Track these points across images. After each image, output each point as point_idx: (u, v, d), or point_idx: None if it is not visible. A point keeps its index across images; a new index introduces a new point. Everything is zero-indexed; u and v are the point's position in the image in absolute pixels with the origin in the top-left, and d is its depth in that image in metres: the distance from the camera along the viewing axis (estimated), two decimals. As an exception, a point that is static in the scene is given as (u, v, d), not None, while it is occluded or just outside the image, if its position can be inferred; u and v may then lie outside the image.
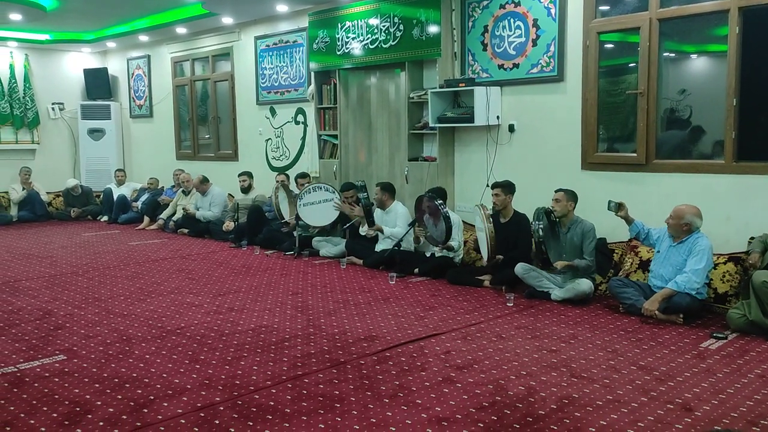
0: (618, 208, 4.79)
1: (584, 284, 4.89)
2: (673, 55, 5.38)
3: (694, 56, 5.51)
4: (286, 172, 8.00)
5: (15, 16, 8.32)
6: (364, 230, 6.41)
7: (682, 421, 2.89)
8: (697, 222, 4.46)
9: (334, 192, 6.69)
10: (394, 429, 2.82)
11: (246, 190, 8.20)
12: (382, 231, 6.20)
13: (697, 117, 5.20)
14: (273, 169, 8.49)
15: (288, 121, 8.32)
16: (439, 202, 5.51)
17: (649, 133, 5.16)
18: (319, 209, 6.65)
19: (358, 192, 6.24)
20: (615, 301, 4.77)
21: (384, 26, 6.64)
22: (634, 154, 5.27)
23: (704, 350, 3.85)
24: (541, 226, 4.88)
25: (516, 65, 5.91)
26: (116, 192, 10.02)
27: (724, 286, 4.61)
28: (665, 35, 5.12)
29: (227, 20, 8.50)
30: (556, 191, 5.13)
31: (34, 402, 3.16)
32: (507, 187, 5.50)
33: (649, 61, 5.10)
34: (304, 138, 8.11)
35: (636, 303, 4.53)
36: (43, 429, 2.87)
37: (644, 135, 5.17)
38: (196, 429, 2.84)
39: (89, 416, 2.99)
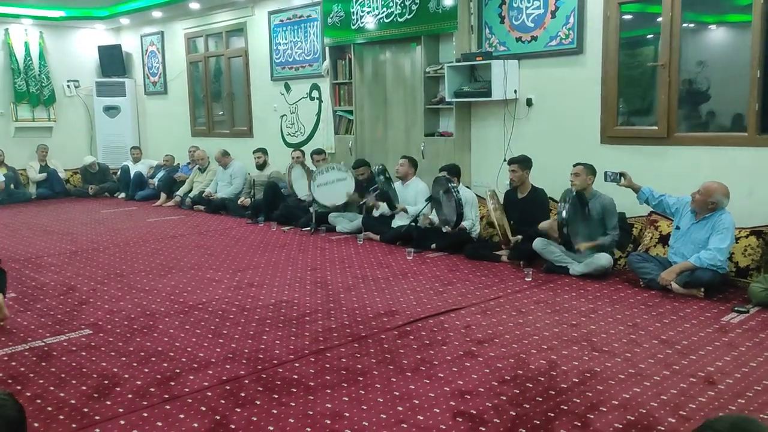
0: (620, 177, 4.75)
1: (603, 258, 4.87)
2: (693, 26, 5.27)
3: (714, 27, 5.40)
4: (302, 148, 7.99)
5: (30, -7, 8.32)
6: (378, 213, 6.42)
7: (705, 394, 2.90)
8: (724, 202, 4.41)
9: (347, 171, 6.68)
10: (417, 401, 2.85)
11: (261, 166, 8.23)
12: (406, 211, 6.18)
13: (716, 89, 5.12)
14: (288, 145, 8.49)
15: (303, 97, 8.29)
16: (453, 185, 5.50)
17: (670, 106, 5.09)
18: (333, 188, 6.66)
19: (377, 176, 6.21)
20: (634, 275, 4.76)
21: (399, -1, 6.57)
22: (655, 128, 5.21)
23: (726, 324, 3.84)
24: (566, 208, 4.77)
25: (534, 38, 5.83)
26: (133, 169, 10.09)
27: (746, 260, 4.58)
28: (686, 5, 5.02)
29: (241, -5, 8.44)
30: (574, 165, 5.10)
31: (63, 375, 3.22)
32: (523, 162, 5.46)
33: (671, 33, 5.01)
34: (319, 114, 8.09)
35: (656, 278, 4.51)
36: (73, 401, 2.93)
37: (666, 108, 5.11)
38: (223, 401, 2.89)
39: (118, 389, 3.04)
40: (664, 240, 4.94)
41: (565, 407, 2.78)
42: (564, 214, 4.73)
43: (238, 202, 8.13)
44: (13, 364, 3.37)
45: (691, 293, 4.35)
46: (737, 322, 3.88)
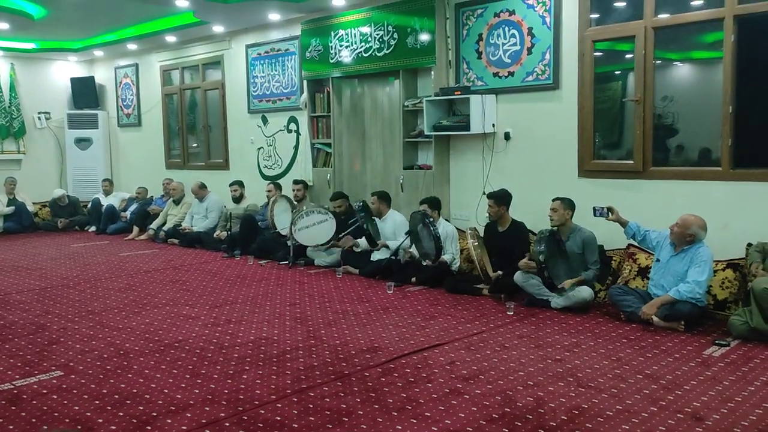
0: (608, 212, 4.81)
1: (584, 291, 4.88)
2: (661, 62, 5.40)
3: (682, 63, 5.55)
4: (278, 181, 7.94)
5: (2, 26, 8.20)
6: (359, 249, 6.37)
7: (694, 430, 2.88)
8: (701, 234, 4.47)
9: (326, 213, 6.61)
10: (405, 443, 2.78)
11: (238, 199, 8.14)
12: (387, 246, 6.13)
13: (686, 124, 5.25)
14: (265, 177, 8.42)
15: (280, 130, 8.26)
16: (430, 219, 5.49)
17: (645, 141, 5.18)
18: (314, 231, 6.57)
19: (358, 212, 6.17)
20: (615, 308, 4.77)
21: (378, 34, 6.63)
22: (631, 162, 5.29)
23: (708, 357, 3.85)
24: (542, 250, 4.75)
25: (511, 73, 5.91)
26: (104, 202, 9.89)
27: (724, 293, 4.63)
28: (658, 43, 5.15)
29: (218, 28, 8.44)
30: (553, 200, 5.13)
31: (34, 420, 3.08)
32: (500, 198, 5.46)
33: (645, 69, 5.12)
34: (296, 146, 8.06)
35: (636, 311, 4.53)
36: (43, 448, 2.79)
37: (641, 142, 5.19)
38: (203, 446, 2.78)
39: (91, 434, 2.91)
40: (642, 272, 4.98)
41: (556, 446, 2.74)
42: (541, 257, 4.72)
43: (214, 235, 8.01)
44: (-20, 408, 3.22)
45: (671, 326, 4.37)
46: (719, 355, 3.89)
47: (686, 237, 4.48)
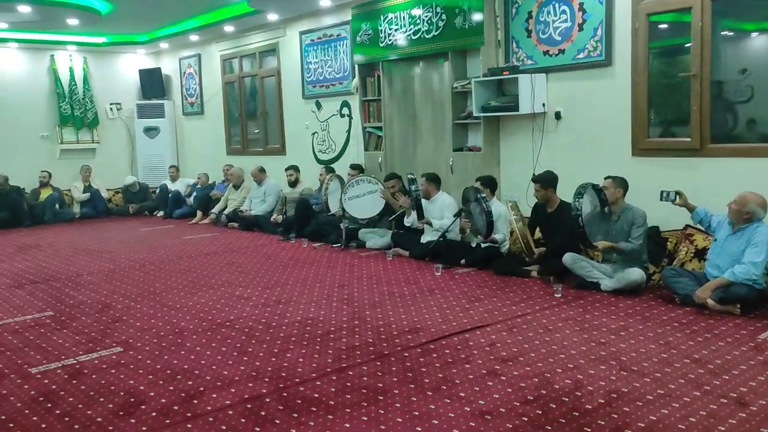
0: (676, 196, 4.65)
1: (635, 273, 4.76)
2: (731, 33, 5.13)
3: (754, 34, 5.25)
4: (331, 165, 8.07)
5: (72, 21, 8.65)
6: (409, 221, 6.41)
7: (736, 416, 2.79)
8: (759, 213, 4.28)
9: (377, 183, 6.72)
10: (436, 422, 2.82)
11: (293, 183, 8.33)
12: (431, 224, 6.17)
13: (755, 98, 4.97)
14: (320, 162, 8.58)
15: (333, 114, 8.38)
16: (483, 195, 5.46)
17: (703, 117, 4.96)
18: (364, 201, 6.70)
19: (409, 184, 6.22)
20: (669, 291, 4.64)
21: (426, 16, 6.59)
22: (688, 139, 5.08)
23: (762, 342, 3.70)
24: (580, 201, 4.69)
25: (562, 51, 5.77)
26: (171, 188, 10.34)
27: (785, 275, 4.41)
28: (719, 14, 4.90)
29: (272, 17, 8.60)
30: (605, 178, 5.02)
31: (92, 393, 3.30)
32: (545, 181, 5.36)
33: (702, 42, 4.89)
34: (349, 130, 8.16)
35: (691, 293, 4.38)
36: (99, 419, 2.99)
37: (698, 118, 4.98)
38: (243, 420, 2.91)
39: (143, 407, 3.10)
40: (700, 254, 4.80)
41: (589, 429, 2.72)
42: (579, 207, 4.66)
43: (271, 219, 8.24)
44: (46, 382, 3.47)
45: (726, 310, 4.21)
46: (774, 340, 3.73)
47: (743, 215, 4.29)
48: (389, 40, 7.05)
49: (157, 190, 10.59)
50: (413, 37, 6.77)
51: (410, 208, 6.33)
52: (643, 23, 5.22)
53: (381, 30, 7.12)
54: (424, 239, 6.32)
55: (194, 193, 9.95)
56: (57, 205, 10.11)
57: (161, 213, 10.27)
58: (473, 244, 5.81)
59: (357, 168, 7.49)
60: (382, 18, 7.08)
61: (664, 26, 5.41)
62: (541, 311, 4.45)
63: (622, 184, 4.96)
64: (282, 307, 4.74)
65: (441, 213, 6.23)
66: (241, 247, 7.31)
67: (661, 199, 4.72)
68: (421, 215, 6.19)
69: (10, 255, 7.31)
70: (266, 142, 9.71)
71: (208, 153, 10.74)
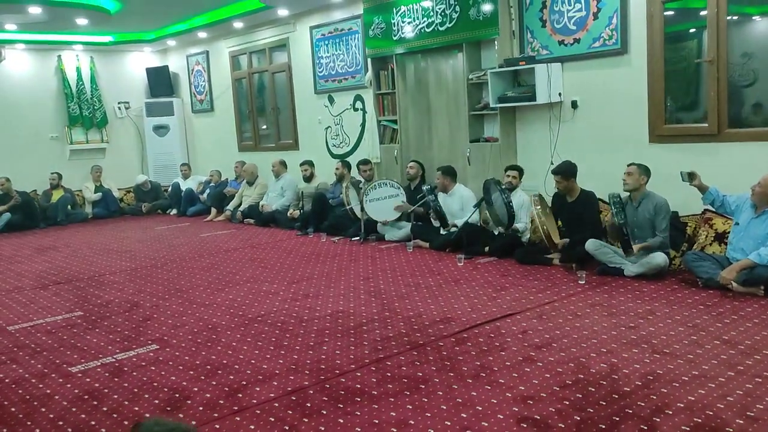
0: (690, 177, 4.70)
1: (658, 257, 4.82)
2: (737, 18, 5.15)
3: (761, 18, 5.28)
4: (346, 159, 8.12)
5: (81, 21, 8.68)
6: (437, 223, 6.45)
7: (774, 395, 2.86)
8: None
9: (399, 188, 6.77)
10: (480, 408, 2.89)
11: (308, 178, 8.38)
12: (457, 226, 6.18)
13: (765, 82, 5.02)
14: (333, 156, 8.63)
15: (347, 109, 8.42)
16: (502, 186, 5.51)
17: (720, 102, 5.01)
18: (384, 204, 6.76)
19: (428, 194, 6.21)
20: (691, 275, 4.70)
21: (440, 8, 6.62)
22: (705, 125, 5.13)
23: (790, 323, 3.76)
24: (615, 210, 4.82)
25: (577, 40, 5.81)
26: (183, 185, 10.39)
27: (808, 257, 4.46)
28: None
29: (282, 12, 8.62)
30: (628, 165, 5.06)
31: (136, 390, 3.36)
32: (565, 172, 5.37)
33: (718, 27, 4.93)
34: (363, 124, 8.20)
35: (714, 276, 4.45)
36: (147, 415, 3.06)
37: (715, 104, 5.03)
38: (290, 411, 2.98)
39: (189, 402, 3.17)
40: (720, 238, 4.86)
41: (630, 411, 2.78)
42: (618, 218, 4.77)
43: (288, 214, 8.29)
44: (88, 380, 3.53)
45: (751, 291, 4.27)
46: (802, 320, 3.79)
47: (768, 197, 4.35)
48: (402, 33, 7.08)
49: (169, 189, 10.64)
50: (426, 30, 6.80)
51: (408, 212, 6.48)
52: (659, 10, 5.25)
53: (394, 23, 7.15)
54: (443, 230, 6.38)
55: (207, 191, 10.00)
56: (69, 206, 10.14)
57: (174, 211, 10.32)
58: (495, 232, 5.86)
59: (366, 163, 7.53)
60: (394, 11, 7.11)
61: (679, 13, 5.44)
62: (567, 298, 4.51)
63: (645, 171, 5.01)
64: (311, 301, 4.81)
65: (461, 205, 6.29)
66: (260, 243, 7.37)
67: (682, 180, 4.78)
68: (445, 223, 6.23)
69: (28, 257, 7.38)
70: (279, 138, 9.75)
71: (218, 150, 10.78)
